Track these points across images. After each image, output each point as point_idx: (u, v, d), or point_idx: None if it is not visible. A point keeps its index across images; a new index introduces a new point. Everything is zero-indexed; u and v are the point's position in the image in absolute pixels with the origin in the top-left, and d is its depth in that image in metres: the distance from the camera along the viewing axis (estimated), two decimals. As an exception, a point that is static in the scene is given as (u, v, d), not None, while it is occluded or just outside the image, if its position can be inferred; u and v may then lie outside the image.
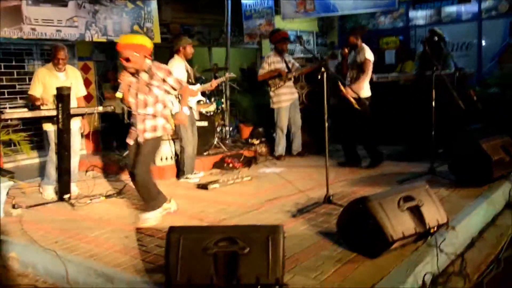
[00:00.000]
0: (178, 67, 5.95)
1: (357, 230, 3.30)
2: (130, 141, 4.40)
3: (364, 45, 6.05)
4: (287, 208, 4.55)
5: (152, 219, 4.30)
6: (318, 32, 12.49)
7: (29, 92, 5.36)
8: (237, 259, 2.74)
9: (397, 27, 11.37)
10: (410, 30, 11.14)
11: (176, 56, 6.02)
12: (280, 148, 7.18)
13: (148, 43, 4.22)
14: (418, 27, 10.92)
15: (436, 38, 6.51)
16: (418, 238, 3.35)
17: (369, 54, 5.94)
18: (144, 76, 4.24)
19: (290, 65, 7.04)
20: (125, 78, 4.25)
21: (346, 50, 6.31)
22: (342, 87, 5.79)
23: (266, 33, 8.88)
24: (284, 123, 7.06)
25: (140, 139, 4.28)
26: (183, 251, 2.80)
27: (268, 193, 5.26)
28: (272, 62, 7.00)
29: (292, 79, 7.06)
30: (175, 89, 4.38)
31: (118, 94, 4.36)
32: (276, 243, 2.76)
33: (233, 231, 2.89)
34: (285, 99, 7.03)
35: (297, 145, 7.28)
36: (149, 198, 4.31)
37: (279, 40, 6.98)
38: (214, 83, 6.67)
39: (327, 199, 4.44)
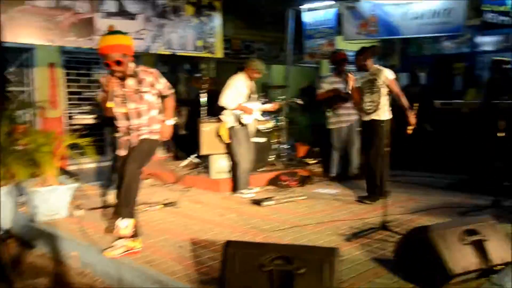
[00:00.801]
0: (238, 84, 6.10)
1: (415, 260, 3.22)
2: (121, 152, 4.06)
3: (378, 66, 5.78)
4: (341, 231, 4.51)
5: (129, 227, 3.88)
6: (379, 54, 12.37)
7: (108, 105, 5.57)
8: (292, 279, 2.75)
9: (463, 52, 11.10)
10: (475, 56, 10.84)
11: (240, 74, 6.17)
12: (336, 169, 7.13)
13: (132, 44, 3.86)
14: (485, 54, 10.61)
15: (509, 66, 6.26)
16: (480, 275, 3.22)
17: (390, 74, 5.62)
18: (130, 82, 3.86)
19: (349, 87, 7.00)
20: (114, 85, 3.81)
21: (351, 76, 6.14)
22: (411, 117, 5.40)
23: (327, 53, 8.89)
24: (340, 145, 7.03)
25: (135, 142, 3.97)
26: (239, 266, 2.85)
27: (322, 214, 5.23)
28: (331, 82, 7.01)
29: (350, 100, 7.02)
30: (163, 96, 4.00)
31: (110, 104, 3.88)
32: (332, 266, 2.75)
33: (289, 250, 2.90)
34: (343, 120, 7.00)
35: (354, 167, 7.21)
36: (128, 202, 3.85)
37: (338, 61, 7.00)
38: (276, 105, 6.75)
39: (383, 225, 4.37)
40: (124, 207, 3.85)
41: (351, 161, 7.18)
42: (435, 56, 11.28)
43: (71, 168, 7.23)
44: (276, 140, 7.73)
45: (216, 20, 8.40)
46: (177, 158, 8.11)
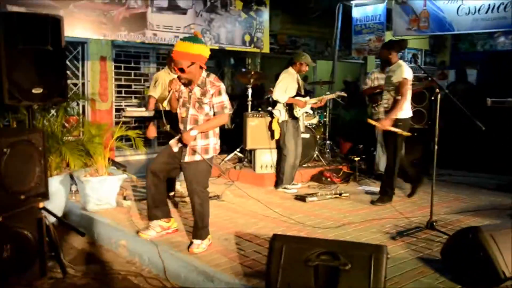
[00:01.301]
0: (290, 78, 6.14)
1: (464, 261, 3.17)
2: (174, 147, 3.97)
3: (401, 61, 5.44)
4: (386, 229, 4.49)
5: (205, 246, 3.95)
6: (428, 50, 12.11)
7: (149, 93, 5.74)
8: (338, 275, 2.75)
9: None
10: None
11: (290, 68, 6.20)
12: (380, 166, 7.05)
13: (205, 52, 3.79)
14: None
15: None
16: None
17: (407, 72, 5.28)
18: (196, 90, 3.87)
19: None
20: (175, 85, 3.87)
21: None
22: (374, 123, 5.31)
23: (375, 49, 8.78)
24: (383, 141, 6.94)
25: (187, 159, 3.90)
26: (285, 260, 2.87)
27: (366, 212, 5.21)
28: (375, 78, 6.93)
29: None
30: (213, 111, 3.89)
31: (166, 104, 3.90)
32: (379, 263, 2.74)
33: (335, 246, 2.91)
34: (383, 117, 6.89)
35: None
36: (202, 223, 3.98)
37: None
38: (324, 99, 6.74)
39: (430, 225, 4.31)
40: (201, 229, 3.94)
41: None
42: (487, 52, 10.93)
43: (120, 159, 7.46)
44: (320, 135, 7.71)
45: (265, 15, 8.44)
46: (221, 152, 8.21)
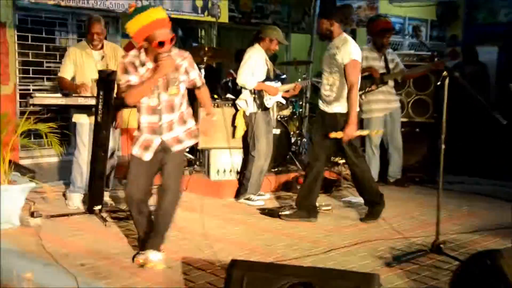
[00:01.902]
0: (258, 58, 6.15)
1: (480, 295, 3.22)
2: (143, 154, 4.12)
3: (346, 36, 5.40)
4: (379, 253, 4.53)
5: (163, 259, 4.14)
6: (435, 21, 12.35)
7: (59, 74, 5.69)
8: (316, 312, 2.77)
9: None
10: None
11: (257, 45, 6.20)
12: (372, 172, 7.12)
13: None
14: None
15: None
16: None
17: (355, 51, 5.26)
18: None
19: (391, 65, 7.02)
20: (172, 65, 3.97)
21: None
22: (337, 135, 5.19)
23: (365, 19, 8.89)
24: (377, 139, 7.04)
25: (175, 148, 4.15)
26: (246, 294, 2.87)
27: (354, 230, 5.25)
28: (365, 58, 7.01)
29: (391, 83, 7.01)
30: (194, 87, 4.26)
31: (174, 90, 4.10)
32: (369, 297, 2.76)
33: (312, 275, 2.94)
34: (377, 108, 7.02)
35: (395, 170, 7.22)
36: (165, 229, 4.21)
37: (378, 32, 7.00)
38: (298, 86, 6.77)
39: (436, 247, 4.36)
40: (160, 237, 4.18)
41: (391, 162, 7.19)
42: (512, 24, 11.17)
43: (26, 162, 7.29)
44: (294, 131, 7.73)
45: (222, -29, 8.43)
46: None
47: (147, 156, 4.10)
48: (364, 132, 5.17)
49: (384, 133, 7.08)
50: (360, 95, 7.03)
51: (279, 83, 6.44)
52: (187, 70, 4.09)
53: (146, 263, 4.07)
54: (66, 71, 5.66)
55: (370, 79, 6.93)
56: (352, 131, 5.21)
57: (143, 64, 3.99)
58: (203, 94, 4.42)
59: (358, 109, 5.37)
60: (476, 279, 3.27)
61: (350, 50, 5.24)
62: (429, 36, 12.35)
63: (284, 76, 7.21)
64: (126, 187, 4.19)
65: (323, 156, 5.50)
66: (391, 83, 7.06)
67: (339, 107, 5.32)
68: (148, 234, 4.24)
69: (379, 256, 4.45)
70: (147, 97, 4.03)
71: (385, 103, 7.04)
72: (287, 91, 6.69)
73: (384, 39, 6.98)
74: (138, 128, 4.18)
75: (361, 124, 7.06)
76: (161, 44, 3.84)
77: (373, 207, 5.60)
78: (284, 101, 7.04)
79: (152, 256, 4.08)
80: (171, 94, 4.05)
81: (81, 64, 5.61)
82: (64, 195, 6.10)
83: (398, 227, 5.33)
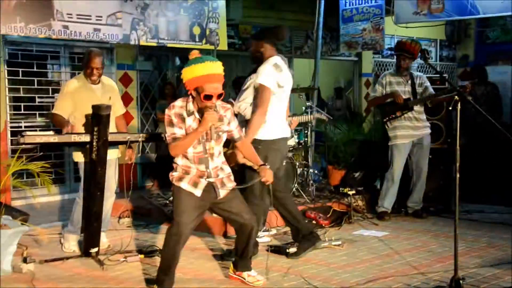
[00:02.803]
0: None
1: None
2: (195, 191, 4.41)
3: (272, 59, 5.30)
4: (395, 292, 4.48)
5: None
6: (444, 41, 12.40)
7: (54, 111, 5.59)
8: None
9: None
10: None
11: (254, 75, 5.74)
12: (387, 202, 7.09)
13: None
14: None
15: None
16: None
17: (264, 76, 5.18)
18: None
19: (420, 89, 7.02)
20: (215, 120, 4.29)
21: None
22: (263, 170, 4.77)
23: (372, 42, 8.92)
24: (399, 167, 7.02)
25: (222, 194, 4.47)
26: None
27: (367, 266, 5.19)
28: (389, 83, 7.01)
29: (419, 109, 7.01)
30: (232, 139, 4.64)
31: (213, 144, 4.44)
32: None
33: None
34: (402, 134, 6.99)
35: (416, 200, 7.17)
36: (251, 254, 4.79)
37: (395, 54, 7.01)
38: (295, 122, 6.77)
39: (455, 283, 4.29)
40: (250, 257, 4.77)
41: (413, 192, 7.14)
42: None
43: (18, 203, 7.27)
44: (300, 162, 7.70)
45: (220, -1, 8.48)
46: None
47: (198, 192, 4.38)
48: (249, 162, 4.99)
49: (410, 161, 7.09)
50: (385, 122, 7.04)
51: None
52: (230, 121, 4.46)
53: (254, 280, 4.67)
54: (62, 107, 5.54)
55: (395, 105, 6.93)
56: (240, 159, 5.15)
57: (190, 114, 4.31)
58: (247, 146, 4.75)
59: (286, 135, 5.49)
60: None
61: (262, 72, 5.21)
62: (438, 56, 12.40)
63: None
64: (177, 222, 4.31)
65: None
66: (419, 108, 7.03)
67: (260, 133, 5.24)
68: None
69: (394, 295, 4.40)
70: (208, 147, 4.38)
71: (410, 130, 7.01)
72: None
73: (400, 61, 7.01)
74: (176, 170, 4.47)
75: (387, 151, 7.10)
76: (208, 97, 4.17)
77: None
78: None
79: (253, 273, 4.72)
80: (215, 144, 4.40)
81: (82, 99, 5.52)
82: (59, 237, 6.05)
83: (414, 262, 5.26)
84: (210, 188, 4.40)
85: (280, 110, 5.38)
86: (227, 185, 4.49)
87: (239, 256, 4.70)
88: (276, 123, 5.32)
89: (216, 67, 4.24)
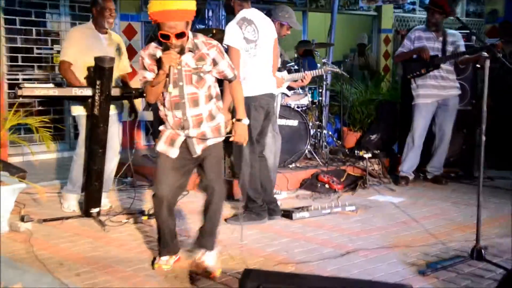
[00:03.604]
0: None
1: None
2: (170, 151, 4.18)
3: (243, 13, 5.35)
4: (411, 259, 4.49)
5: (218, 259, 4.29)
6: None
7: (63, 58, 5.55)
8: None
9: None
10: None
11: None
12: (407, 165, 7.11)
13: (195, 7, 4.03)
14: None
15: None
16: None
17: (229, 35, 5.25)
18: (188, 58, 4.06)
19: (450, 48, 6.98)
20: (176, 61, 3.95)
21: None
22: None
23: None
24: (419, 129, 7.02)
25: (198, 151, 4.18)
26: (262, 308, 2.85)
27: (382, 233, 5.21)
28: (417, 38, 6.97)
29: (448, 67, 6.96)
30: (226, 80, 4.30)
31: (170, 89, 4.02)
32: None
33: (336, 285, 2.89)
34: (425, 93, 6.98)
35: (436, 165, 7.20)
36: (216, 230, 4.29)
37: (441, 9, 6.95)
38: (308, 76, 6.71)
39: (477, 253, 4.30)
40: (214, 236, 4.29)
41: (434, 156, 7.13)
42: None
43: (16, 160, 7.31)
44: (313, 122, 7.69)
45: None
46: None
47: (173, 152, 4.16)
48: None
49: (434, 123, 7.08)
50: (409, 79, 7.00)
51: (284, 72, 6.39)
52: (215, 60, 4.10)
53: (200, 267, 4.14)
54: (73, 54, 5.49)
55: (420, 62, 6.88)
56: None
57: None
58: (235, 91, 4.35)
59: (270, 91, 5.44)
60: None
61: (226, 32, 5.29)
62: (465, 12, 12.25)
63: (291, 64, 7.17)
64: (155, 186, 4.21)
65: None
66: (448, 67, 7.00)
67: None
68: (173, 241, 4.33)
69: (411, 263, 4.40)
70: (167, 91, 4.06)
71: (435, 89, 6.98)
72: (295, 81, 6.65)
73: (428, 16, 7.01)
74: (163, 122, 4.25)
75: (406, 112, 7.06)
76: (165, 37, 3.86)
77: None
78: (289, 93, 7.00)
79: (208, 259, 4.17)
80: (196, 87, 4.08)
81: (88, 46, 5.48)
82: (59, 196, 6.09)
83: (433, 230, 5.27)
84: (190, 144, 4.15)
85: (258, 65, 5.35)
86: (208, 139, 4.18)
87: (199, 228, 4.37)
88: (256, 80, 5.31)
89: (172, 2, 3.83)
